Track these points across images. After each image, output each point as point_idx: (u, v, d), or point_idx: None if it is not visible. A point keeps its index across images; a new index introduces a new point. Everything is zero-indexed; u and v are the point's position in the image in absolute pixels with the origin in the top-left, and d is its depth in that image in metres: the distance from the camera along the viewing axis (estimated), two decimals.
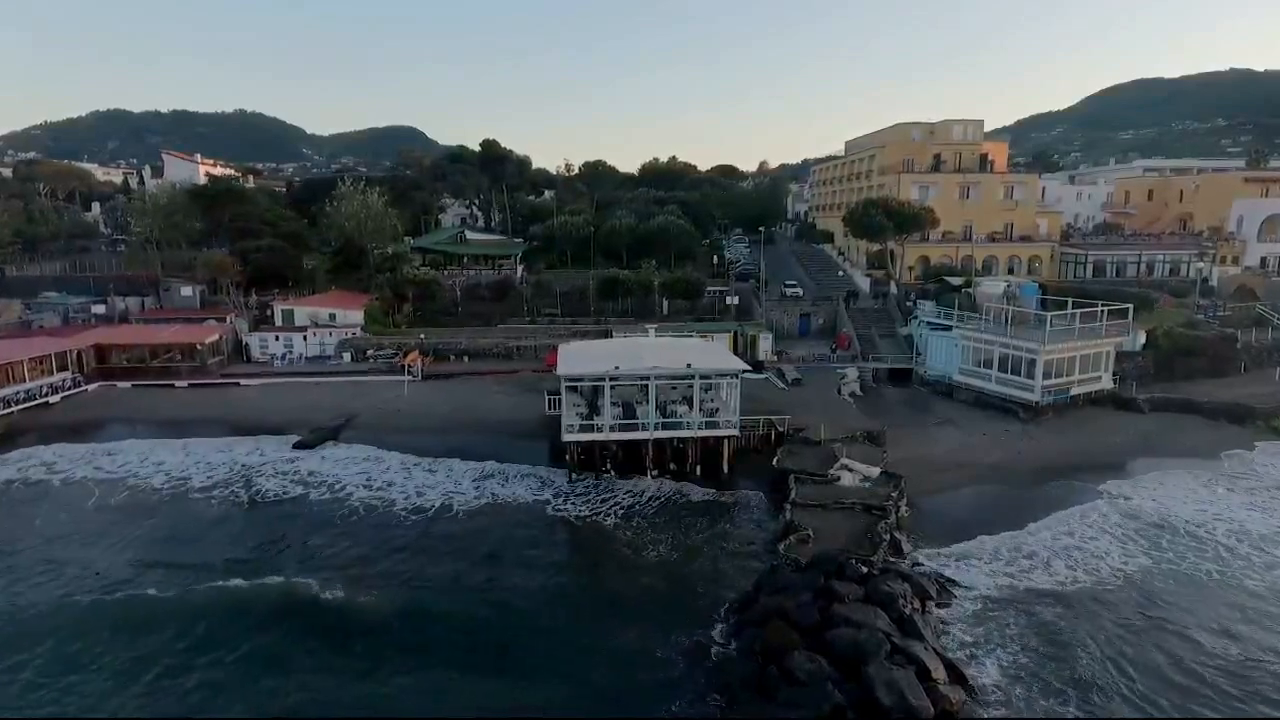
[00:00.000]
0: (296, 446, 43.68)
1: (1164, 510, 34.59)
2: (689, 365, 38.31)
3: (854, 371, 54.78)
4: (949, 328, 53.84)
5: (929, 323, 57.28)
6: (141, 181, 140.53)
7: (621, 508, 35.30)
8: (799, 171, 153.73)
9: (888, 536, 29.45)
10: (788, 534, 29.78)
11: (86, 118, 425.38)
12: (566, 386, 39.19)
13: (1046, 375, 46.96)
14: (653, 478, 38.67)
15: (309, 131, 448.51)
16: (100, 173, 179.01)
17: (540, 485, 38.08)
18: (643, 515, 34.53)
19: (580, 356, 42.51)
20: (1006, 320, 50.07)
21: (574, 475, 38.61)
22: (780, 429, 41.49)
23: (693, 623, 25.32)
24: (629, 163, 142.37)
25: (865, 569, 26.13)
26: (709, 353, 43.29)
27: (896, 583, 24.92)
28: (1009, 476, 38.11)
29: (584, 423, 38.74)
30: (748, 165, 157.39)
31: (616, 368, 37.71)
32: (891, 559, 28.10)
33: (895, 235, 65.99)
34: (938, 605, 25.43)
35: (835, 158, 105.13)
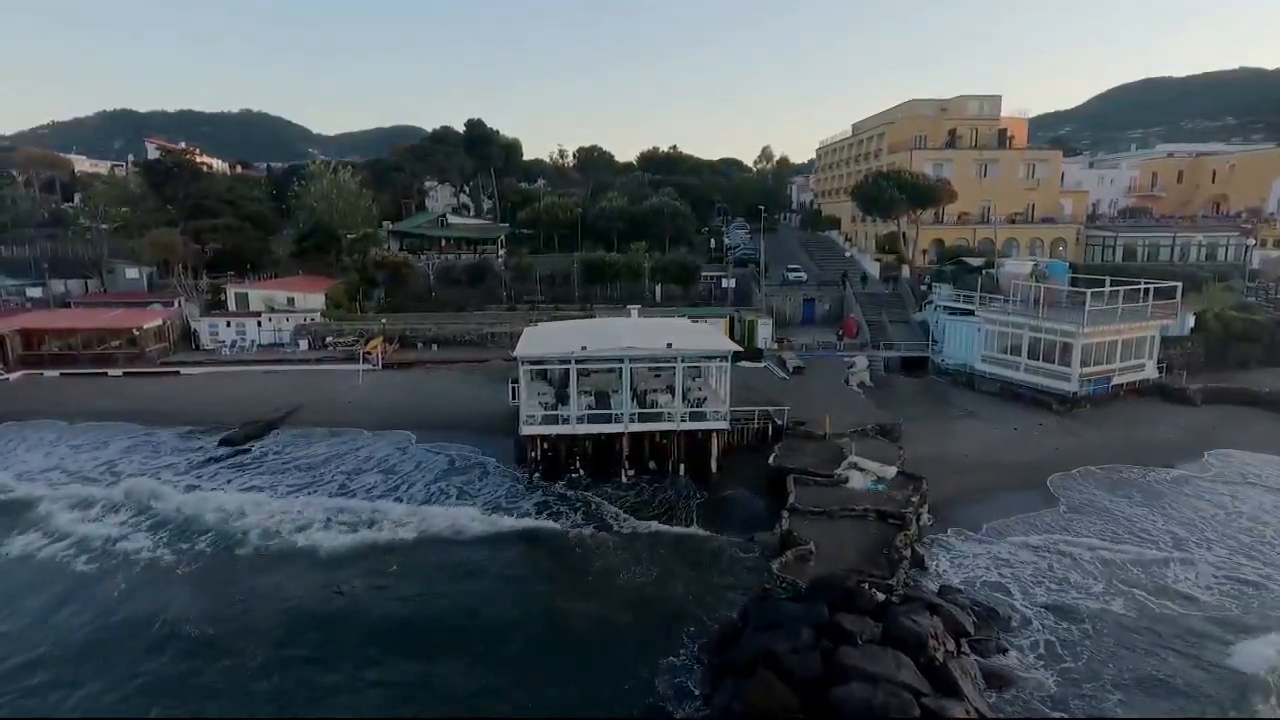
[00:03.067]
0: (223, 444, 38.08)
1: (1243, 519, 28.68)
2: (670, 346, 32.46)
3: (863, 360, 49.01)
4: (970, 312, 48.06)
5: (946, 307, 51.55)
6: (127, 171, 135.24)
7: (587, 516, 29.47)
8: (804, 171, 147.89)
9: (908, 552, 23.63)
10: (784, 548, 24.00)
11: (93, 117, 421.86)
12: (528, 371, 33.49)
13: (1085, 362, 41.11)
14: (628, 479, 32.90)
15: (315, 131, 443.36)
16: (89, 164, 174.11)
17: (496, 489, 32.27)
18: (612, 525, 28.70)
19: (545, 337, 36.79)
20: (1039, 301, 44.15)
21: (534, 476, 32.85)
22: (778, 422, 35.67)
23: (657, 668, 19.53)
24: (627, 154, 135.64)
25: (882, 596, 20.33)
26: (696, 334, 37.48)
27: (923, 616, 19.09)
28: (1048, 476, 32.32)
29: (547, 414, 32.97)
30: (751, 159, 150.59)
31: (583, 348, 31.90)
32: (914, 582, 22.27)
33: (909, 210, 60.01)
34: (977, 645, 19.57)
35: (841, 139, 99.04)
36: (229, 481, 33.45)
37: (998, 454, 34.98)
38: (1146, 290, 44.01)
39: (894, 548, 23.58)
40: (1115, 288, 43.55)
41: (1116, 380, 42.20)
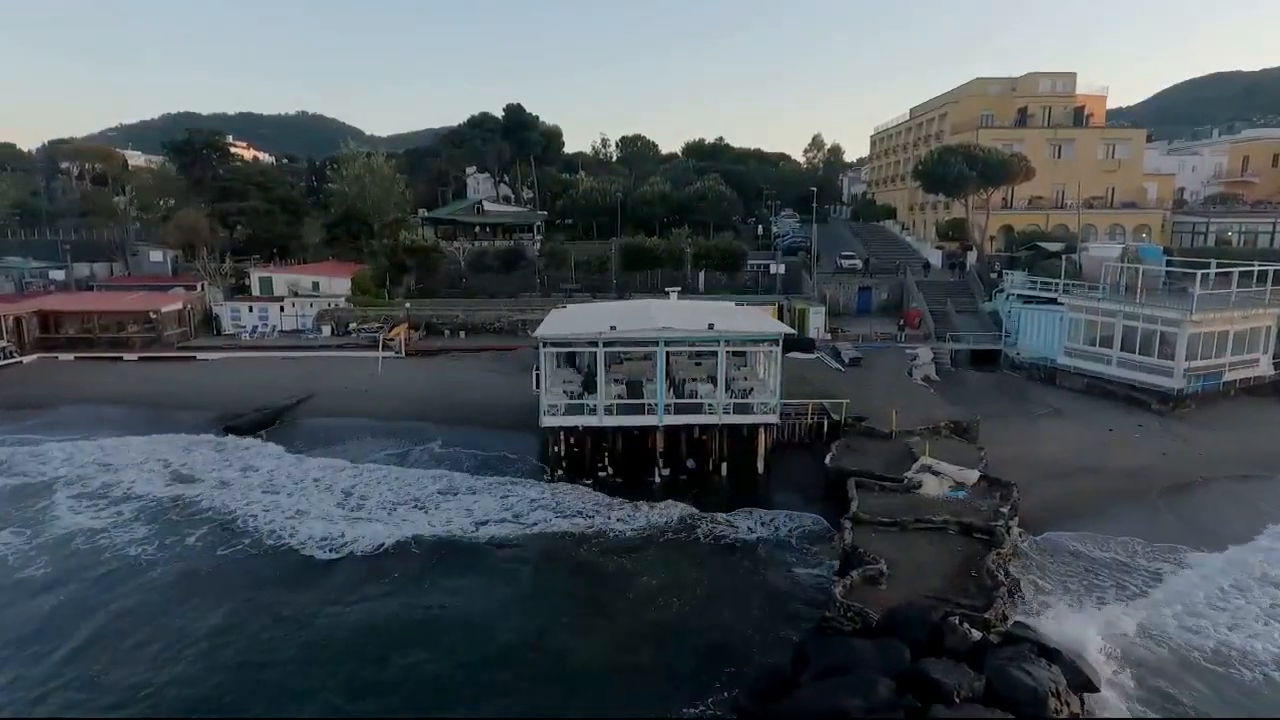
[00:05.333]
0: (227, 431, 35.44)
1: None
2: (712, 327, 28.35)
3: (927, 352, 44.22)
4: (1051, 300, 43.02)
5: (1021, 295, 46.45)
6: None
7: (612, 522, 25.57)
8: (854, 168, 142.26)
9: (1003, 576, 19.12)
10: (848, 568, 19.70)
11: (158, 120, 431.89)
12: (551, 355, 29.77)
13: (1191, 355, 35.76)
14: (662, 479, 28.93)
15: (368, 133, 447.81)
16: (142, 159, 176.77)
17: (511, 489, 28.53)
18: (640, 533, 24.78)
19: (573, 319, 33.03)
20: (1136, 287, 38.83)
21: (556, 474, 29.12)
22: (835, 417, 31.30)
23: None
24: (672, 146, 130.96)
25: (978, 634, 15.99)
26: (741, 316, 33.34)
27: (1036, 664, 14.72)
28: (1160, 486, 27.29)
29: (571, 403, 29.15)
30: (801, 150, 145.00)
31: (612, 328, 27.96)
32: (1017, 617, 17.75)
33: (979, 188, 54.61)
34: (1109, 706, 15.05)
35: (897, 123, 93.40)
36: None
37: (1094, 458, 29.97)
38: (1262, 274, 38.37)
39: (986, 570, 19.09)
40: (1225, 269, 38.01)
41: (1229, 376, 36.72)
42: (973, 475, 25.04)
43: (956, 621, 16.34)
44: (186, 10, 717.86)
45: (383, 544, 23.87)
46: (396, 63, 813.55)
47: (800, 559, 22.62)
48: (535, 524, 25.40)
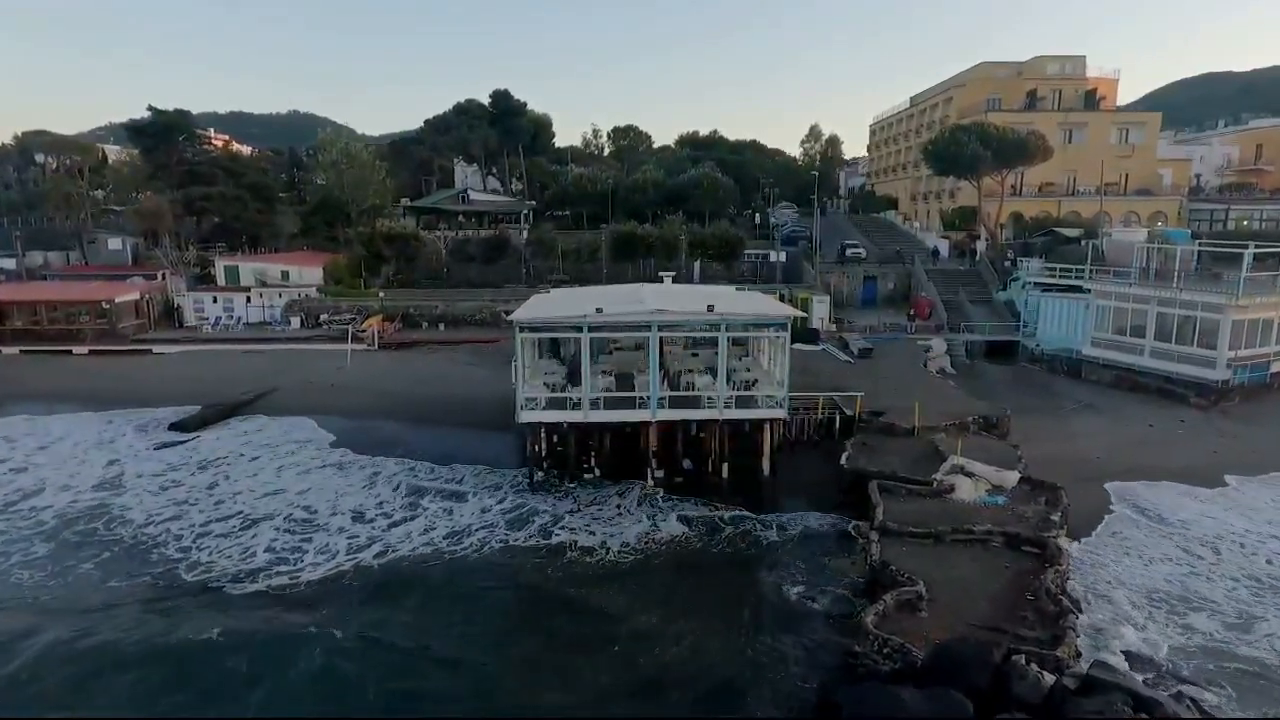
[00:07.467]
0: (172, 428, 32.02)
1: None
2: (711, 309, 24.97)
3: (940, 343, 41.17)
4: (1073, 288, 39.98)
5: (1040, 283, 43.38)
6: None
7: (596, 534, 22.19)
8: (851, 165, 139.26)
9: (1067, 600, 15.84)
10: (878, 589, 16.42)
11: (149, 118, 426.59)
12: (531, 342, 26.40)
13: (1235, 344, 32.66)
14: (655, 481, 25.60)
15: (360, 131, 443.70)
16: (122, 153, 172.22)
17: (489, 499, 25.05)
18: (631, 547, 21.40)
19: (555, 302, 29.65)
20: (1172, 271, 35.73)
21: (536, 477, 25.78)
22: (848, 412, 28.01)
23: None
24: (665, 138, 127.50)
25: (1050, 677, 12.71)
26: (743, 300, 30.01)
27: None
28: (1223, 490, 24.16)
29: (553, 396, 25.76)
30: (797, 141, 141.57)
31: (598, 310, 24.53)
32: (1095, 654, 14.45)
33: (994, 169, 51.38)
34: None
35: (899, 111, 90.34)
36: None
37: (1136, 457, 26.83)
38: None
39: (1046, 592, 15.81)
40: (1266, 251, 34.95)
41: (1275, 367, 33.65)
42: (1013, 477, 21.79)
43: (1023, 661, 13.05)
44: (181, 9, 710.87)
45: (317, 565, 20.33)
46: (393, 63, 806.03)
47: (816, 577, 19.22)
48: (506, 538, 21.98)
